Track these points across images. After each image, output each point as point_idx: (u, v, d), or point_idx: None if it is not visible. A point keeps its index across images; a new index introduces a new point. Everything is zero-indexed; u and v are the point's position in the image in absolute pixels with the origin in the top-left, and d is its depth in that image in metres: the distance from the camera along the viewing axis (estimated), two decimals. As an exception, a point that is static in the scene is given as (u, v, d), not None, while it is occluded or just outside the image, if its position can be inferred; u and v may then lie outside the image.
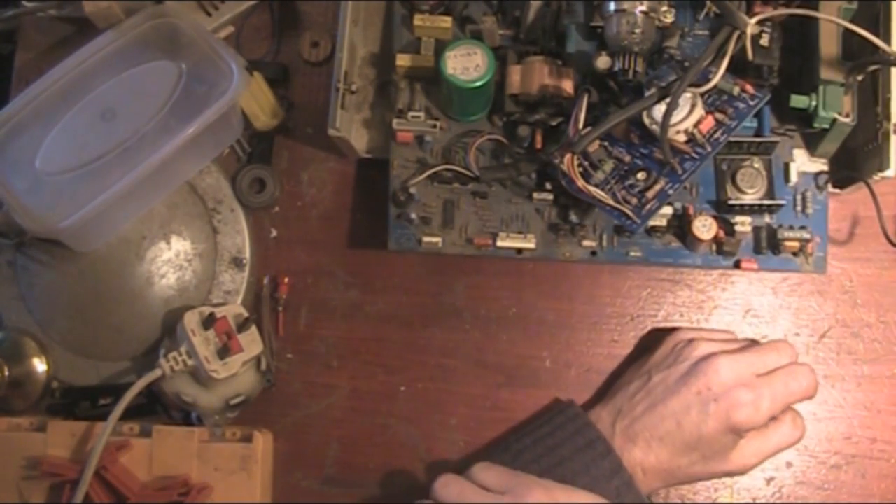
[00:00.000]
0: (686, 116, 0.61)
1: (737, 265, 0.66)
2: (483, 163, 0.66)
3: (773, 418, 0.63)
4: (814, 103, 0.62)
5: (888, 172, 0.62)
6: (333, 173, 0.74)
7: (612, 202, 0.61)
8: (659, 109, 0.60)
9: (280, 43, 0.76)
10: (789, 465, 0.68)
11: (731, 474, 0.64)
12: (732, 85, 0.63)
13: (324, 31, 0.75)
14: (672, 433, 0.62)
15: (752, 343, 0.66)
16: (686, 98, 0.60)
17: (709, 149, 0.62)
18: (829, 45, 0.61)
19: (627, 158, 0.63)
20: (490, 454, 0.65)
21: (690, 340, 0.65)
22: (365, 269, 0.72)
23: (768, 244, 0.65)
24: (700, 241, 0.64)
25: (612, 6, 0.61)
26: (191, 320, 0.66)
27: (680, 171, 0.62)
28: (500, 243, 0.66)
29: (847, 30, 0.60)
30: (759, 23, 0.61)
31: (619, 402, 0.64)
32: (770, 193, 0.65)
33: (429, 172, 0.66)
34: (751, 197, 0.65)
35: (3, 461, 0.67)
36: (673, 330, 0.68)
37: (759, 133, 0.65)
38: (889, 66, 0.61)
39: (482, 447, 0.69)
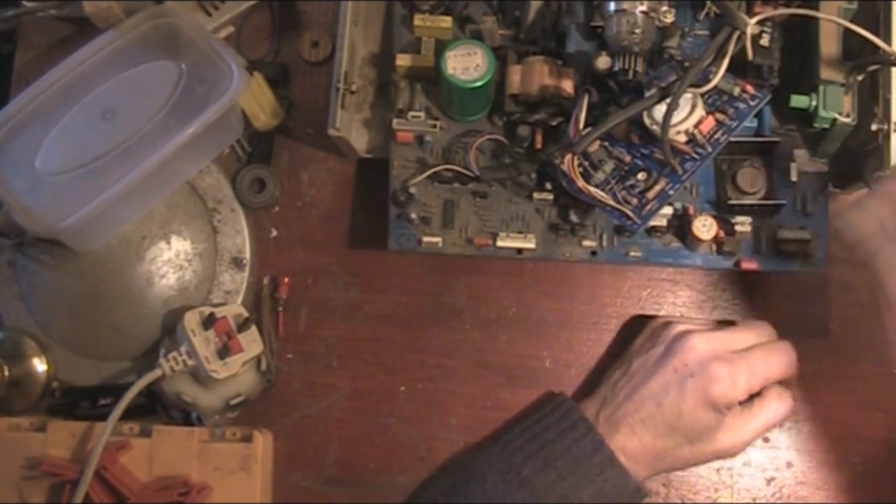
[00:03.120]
0: (686, 117, 0.61)
1: (737, 265, 0.66)
2: (483, 163, 0.66)
3: (758, 395, 0.63)
4: (814, 103, 0.62)
5: (888, 173, 0.62)
6: (333, 173, 0.74)
7: (612, 202, 0.61)
8: (659, 110, 0.60)
9: (280, 43, 0.76)
10: (789, 465, 0.68)
11: (722, 455, 0.64)
12: (733, 85, 0.62)
13: (324, 31, 0.75)
14: (653, 415, 0.62)
15: (731, 324, 0.66)
16: (686, 98, 0.60)
17: (709, 149, 0.62)
18: (829, 45, 0.61)
19: (628, 159, 0.63)
20: (482, 447, 0.66)
21: (667, 323, 0.66)
22: (365, 269, 0.72)
23: (768, 244, 0.65)
24: (700, 241, 0.64)
25: (612, 6, 0.61)
26: (191, 320, 0.66)
27: (680, 172, 0.62)
28: (500, 243, 0.66)
29: (847, 30, 0.60)
30: (759, 23, 0.61)
31: (602, 392, 0.65)
32: (770, 193, 0.65)
33: (429, 172, 0.66)
34: (751, 197, 0.65)
35: (3, 461, 0.67)
36: (652, 317, 0.68)
37: (759, 133, 0.65)
38: (889, 66, 0.61)
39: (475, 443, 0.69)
